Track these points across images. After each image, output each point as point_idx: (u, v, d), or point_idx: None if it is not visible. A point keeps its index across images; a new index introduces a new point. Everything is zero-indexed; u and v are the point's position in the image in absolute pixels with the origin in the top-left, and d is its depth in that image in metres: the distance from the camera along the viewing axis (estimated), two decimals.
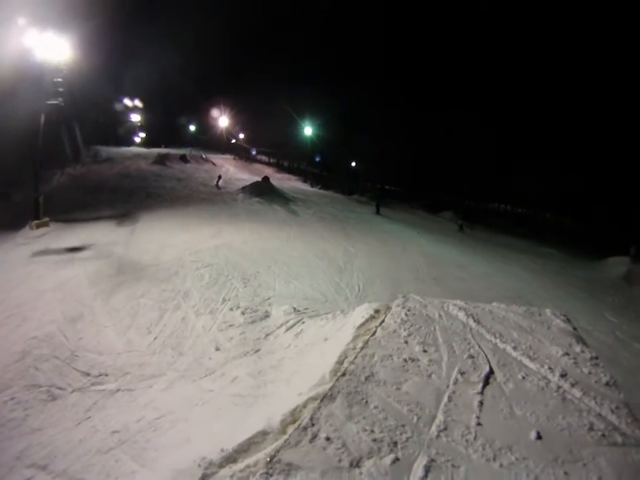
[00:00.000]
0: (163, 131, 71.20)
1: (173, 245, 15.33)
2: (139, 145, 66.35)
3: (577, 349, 4.85)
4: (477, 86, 45.98)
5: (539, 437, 3.30)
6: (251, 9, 74.47)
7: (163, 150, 50.32)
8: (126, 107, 62.72)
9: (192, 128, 75.45)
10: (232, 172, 45.17)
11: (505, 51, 46.61)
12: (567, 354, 4.67)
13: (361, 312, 6.39)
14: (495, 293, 14.50)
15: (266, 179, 34.82)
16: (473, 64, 48.15)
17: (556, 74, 42.73)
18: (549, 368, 4.35)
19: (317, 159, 57.10)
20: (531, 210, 45.69)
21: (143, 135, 72.36)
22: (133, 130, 71.09)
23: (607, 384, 4.12)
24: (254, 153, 69.32)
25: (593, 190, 37.90)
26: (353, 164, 56.59)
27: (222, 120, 64.03)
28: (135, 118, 70.29)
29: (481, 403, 3.73)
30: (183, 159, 46.12)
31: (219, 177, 35.49)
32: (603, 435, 3.36)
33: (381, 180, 53.39)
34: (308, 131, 51.59)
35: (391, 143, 47.07)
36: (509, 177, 42.64)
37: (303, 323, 8.61)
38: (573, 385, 4.05)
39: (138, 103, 65.69)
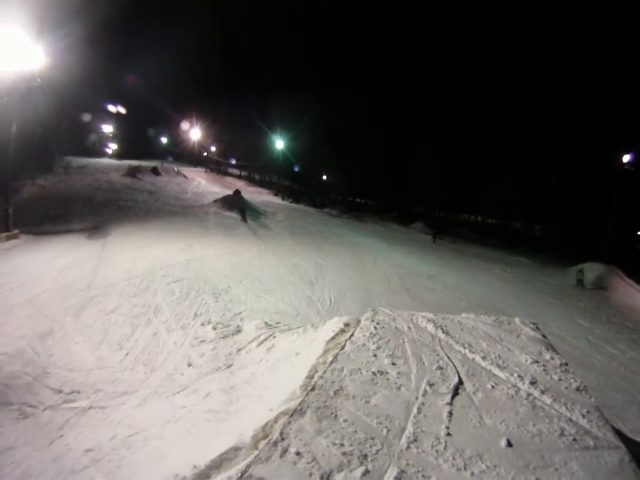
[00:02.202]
0: (134, 143, 70.61)
1: (144, 258, 15.09)
2: (111, 156, 65.51)
3: (547, 356, 4.93)
4: (448, 94, 46.64)
5: (509, 444, 3.31)
6: (224, 20, 74.45)
7: (134, 162, 49.64)
8: (97, 117, 61.59)
9: (164, 140, 75.07)
10: (204, 185, 45.00)
11: (475, 52, 47.70)
12: (536, 361, 4.74)
13: (331, 326, 6.40)
14: (466, 302, 14.74)
15: (237, 192, 34.81)
16: (442, 69, 49.04)
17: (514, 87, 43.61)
18: (519, 376, 4.39)
19: (296, 169, 56.82)
20: (501, 220, 46.23)
21: (114, 146, 71.46)
22: (104, 141, 70.21)
23: (578, 389, 4.19)
24: (233, 162, 69.02)
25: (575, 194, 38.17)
26: (325, 177, 56.78)
27: (194, 132, 63.77)
28: (107, 129, 69.45)
29: (451, 413, 3.73)
30: (155, 171, 45.72)
31: (243, 212, 28.36)
32: (575, 440, 3.40)
33: (352, 192, 53.71)
34: (279, 144, 51.71)
35: (361, 156, 47.54)
36: (482, 186, 43.28)
37: (275, 337, 8.59)
38: (543, 392, 4.10)
39: (121, 109, 64.68)
